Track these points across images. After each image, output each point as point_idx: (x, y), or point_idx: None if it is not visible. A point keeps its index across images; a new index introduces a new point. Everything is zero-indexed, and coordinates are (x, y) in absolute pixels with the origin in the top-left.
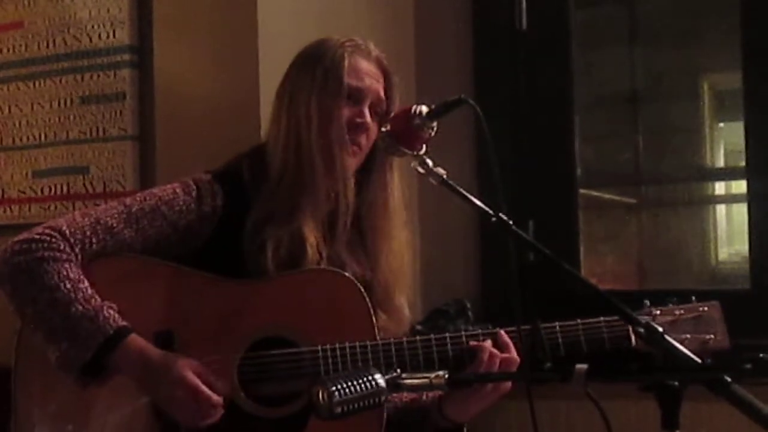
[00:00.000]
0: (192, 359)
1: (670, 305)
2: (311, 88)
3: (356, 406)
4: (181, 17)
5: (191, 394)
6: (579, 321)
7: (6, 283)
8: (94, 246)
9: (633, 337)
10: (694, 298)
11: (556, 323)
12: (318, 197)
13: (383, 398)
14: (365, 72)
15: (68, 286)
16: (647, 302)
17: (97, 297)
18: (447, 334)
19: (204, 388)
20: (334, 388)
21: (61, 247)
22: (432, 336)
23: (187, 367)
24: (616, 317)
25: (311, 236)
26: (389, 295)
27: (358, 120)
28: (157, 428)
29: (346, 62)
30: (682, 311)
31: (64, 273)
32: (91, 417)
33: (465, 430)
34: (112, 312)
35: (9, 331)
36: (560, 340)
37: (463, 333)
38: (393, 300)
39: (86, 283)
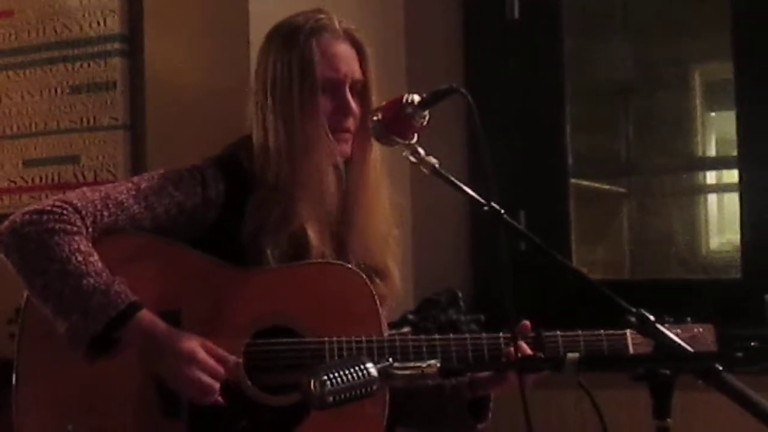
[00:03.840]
0: (201, 337)
1: (666, 324)
2: (288, 85)
3: (348, 395)
4: (172, 6)
5: (199, 369)
6: (580, 332)
7: (14, 252)
8: (105, 219)
9: (631, 349)
10: (689, 319)
11: (558, 332)
12: (313, 196)
13: (375, 387)
14: (339, 56)
15: (79, 258)
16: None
17: (107, 271)
18: (456, 336)
19: (212, 362)
20: (325, 377)
21: (72, 220)
22: (436, 336)
23: (196, 343)
24: (616, 330)
25: (314, 232)
26: (378, 260)
27: (340, 107)
28: (158, 405)
29: (317, 53)
30: (678, 331)
31: (75, 246)
32: (93, 396)
33: (490, 411)
34: (123, 286)
35: (1, 322)
36: (561, 350)
37: (468, 337)
38: (383, 264)
39: (96, 257)
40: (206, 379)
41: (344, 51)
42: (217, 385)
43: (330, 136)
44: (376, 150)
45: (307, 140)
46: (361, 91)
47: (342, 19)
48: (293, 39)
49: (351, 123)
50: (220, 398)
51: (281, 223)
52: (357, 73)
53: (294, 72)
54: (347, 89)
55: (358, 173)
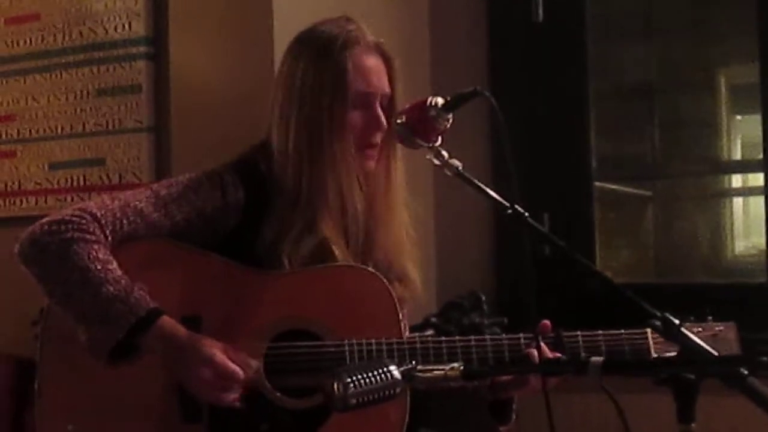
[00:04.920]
0: (222, 342)
1: (687, 323)
2: (319, 97)
3: (371, 398)
4: (196, 8)
5: (219, 372)
6: (601, 332)
7: (34, 263)
8: (125, 228)
9: (652, 349)
10: (710, 318)
11: (578, 332)
12: (336, 209)
13: (398, 390)
14: (370, 70)
15: (98, 266)
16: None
17: (127, 278)
18: (478, 337)
19: (232, 365)
20: (349, 380)
21: (91, 229)
22: (457, 338)
23: (215, 347)
24: (637, 330)
25: (338, 243)
26: (396, 263)
27: (371, 122)
28: (179, 410)
29: (350, 67)
30: (699, 329)
31: (94, 254)
32: (114, 402)
33: (514, 414)
34: (143, 293)
35: (25, 323)
36: (582, 351)
37: (488, 338)
38: (402, 267)
39: (115, 264)
40: (222, 381)
41: (376, 65)
42: (233, 387)
43: (354, 152)
44: (400, 160)
45: (334, 155)
46: (387, 105)
47: (372, 35)
48: (327, 49)
49: (379, 138)
50: (237, 401)
51: (303, 235)
52: (386, 88)
53: (327, 83)
54: (378, 104)
55: (381, 186)
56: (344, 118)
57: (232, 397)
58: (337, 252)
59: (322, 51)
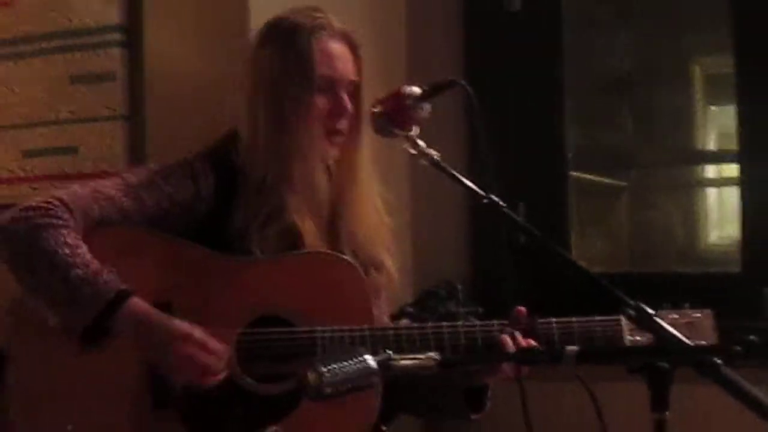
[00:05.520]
0: (193, 324)
1: (664, 310)
2: (284, 82)
3: (347, 387)
4: None
5: (198, 349)
6: (575, 319)
7: (4, 250)
8: (95, 213)
9: (626, 336)
10: (687, 305)
11: (552, 319)
12: (303, 193)
13: (374, 379)
14: (336, 56)
15: (66, 251)
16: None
17: (96, 261)
18: (450, 324)
19: (213, 341)
20: (324, 369)
21: (59, 214)
22: (429, 324)
23: (190, 326)
24: (610, 317)
25: (306, 227)
26: (371, 252)
27: (336, 108)
28: (151, 395)
29: (316, 51)
30: (676, 316)
31: (62, 239)
32: (86, 387)
33: (488, 402)
34: (112, 275)
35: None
36: (555, 337)
37: (462, 324)
38: (377, 255)
39: (84, 248)
40: (205, 358)
41: (341, 51)
42: (220, 366)
43: (320, 137)
44: (366, 147)
45: (299, 140)
46: (354, 92)
47: (338, 22)
48: (292, 36)
49: (344, 124)
50: (218, 380)
51: (270, 219)
52: (352, 74)
53: (291, 68)
54: (343, 89)
55: (347, 169)
56: (309, 103)
57: (215, 374)
58: (306, 238)
59: (288, 38)
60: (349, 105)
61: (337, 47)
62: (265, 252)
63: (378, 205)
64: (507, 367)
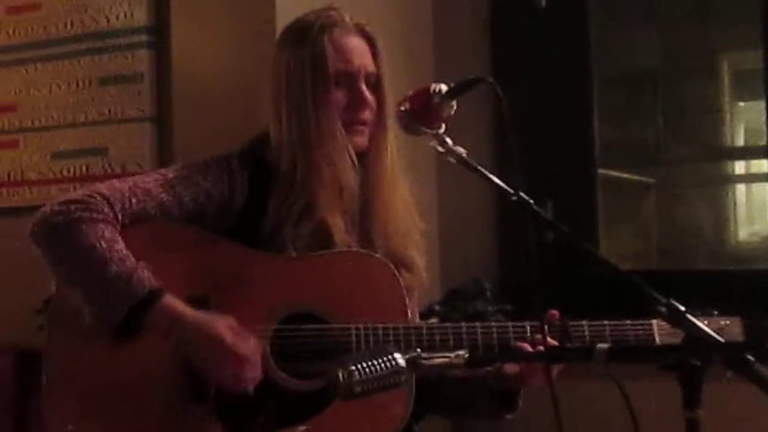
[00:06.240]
0: (227, 317)
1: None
2: (302, 81)
3: (376, 385)
4: None
5: (229, 353)
6: (606, 322)
7: (43, 243)
8: (134, 207)
9: (657, 340)
10: (716, 312)
11: (584, 322)
12: (332, 188)
13: (403, 377)
14: (351, 50)
15: (104, 245)
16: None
17: (131, 257)
18: (483, 324)
19: (242, 348)
20: (353, 368)
21: (99, 208)
22: (463, 324)
23: (223, 325)
24: (642, 321)
25: (336, 224)
26: (402, 251)
27: (356, 99)
28: (186, 389)
29: (329, 47)
30: (705, 323)
31: (100, 233)
32: (121, 381)
33: (520, 402)
34: (146, 273)
35: (29, 313)
36: (587, 340)
37: (494, 325)
38: (409, 256)
39: (122, 245)
40: (235, 363)
41: (356, 44)
42: (248, 369)
43: (343, 129)
44: (393, 142)
45: (321, 133)
46: (375, 84)
47: (353, 15)
48: (304, 35)
49: (367, 115)
50: (251, 387)
51: (303, 217)
52: (370, 66)
53: (306, 66)
54: (362, 81)
55: (375, 165)
56: (327, 97)
57: (250, 381)
58: (336, 231)
59: (301, 37)
60: (368, 96)
61: (352, 41)
62: (298, 249)
63: (408, 201)
64: (539, 373)
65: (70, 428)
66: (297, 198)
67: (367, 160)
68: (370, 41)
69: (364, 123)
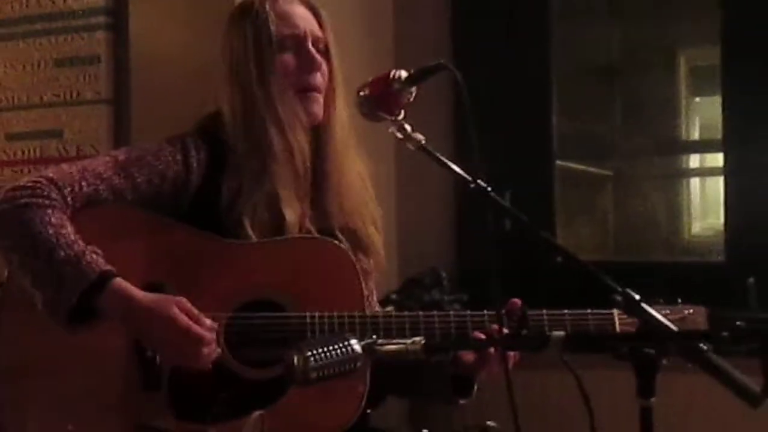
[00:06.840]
0: (180, 297)
1: (656, 305)
2: (246, 50)
3: (332, 371)
4: None
5: (182, 333)
6: (566, 311)
7: None
8: (84, 190)
9: (618, 329)
10: (680, 300)
11: (543, 311)
12: (283, 156)
13: (359, 364)
14: (296, 15)
15: (50, 231)
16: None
17: (80, 242)
18: (441, 312)
19: (196, 327)
20: (309, 354)
21: (46, 193)
22: (420, 313)
23: (174, 306)
24: (603, 310)
25: (286, 196)
26: (359, 227)
27: (305, 61)
28: (139, 377)
29: (272, 14)
30: (667, 312)
31: (47, 219)
32: (73, 369)
33: (475, 388)
34: (95, 256)
35: None
36: (546, 329)
37: (451, 313)
38: (366, 236)
39: (69, 229)
40: (189, 343)
41: (301, 11)
42: (202, 347)
43: (294, 95)
44: (344, 112)
45: (269, 98)
46: (324, 51)
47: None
48: (247, 8)
49: (319, 79)
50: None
51: (254, 186)
52: (317, 31)
53: (249, 35)
54: (309, 43)
55: (328, 135)
56: (273, 61)
57: (205, 359)
58: (286, 209)
59: (244, 12)
60: (318, 58)
61: (297, 8)
62: (256, 226)
63: (363, 174)
64: (496, 362)
65: (70, 428)
66: (248, 167)
67: (320, 130)
68: (314, 10)
69: (316, 89)
